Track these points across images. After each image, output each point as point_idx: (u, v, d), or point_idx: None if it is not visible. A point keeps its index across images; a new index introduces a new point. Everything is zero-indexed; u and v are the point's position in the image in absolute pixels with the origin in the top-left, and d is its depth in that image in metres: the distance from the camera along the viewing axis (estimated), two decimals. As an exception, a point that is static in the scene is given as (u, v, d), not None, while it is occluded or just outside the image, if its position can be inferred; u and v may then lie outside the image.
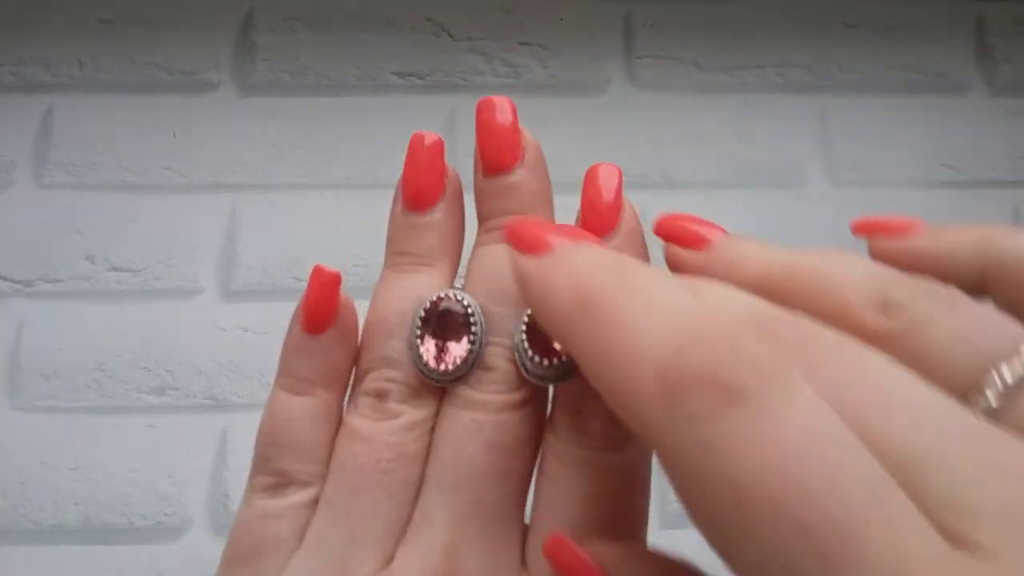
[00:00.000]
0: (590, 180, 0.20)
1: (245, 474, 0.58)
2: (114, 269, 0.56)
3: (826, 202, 0.59)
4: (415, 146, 0.21)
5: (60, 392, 0.54)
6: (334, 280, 0.20)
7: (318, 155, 0.58)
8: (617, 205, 0.20)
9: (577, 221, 0.21)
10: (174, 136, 0.59)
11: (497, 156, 0.20)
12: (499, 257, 0.20)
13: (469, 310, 0.19)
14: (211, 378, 0.54)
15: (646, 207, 0.69)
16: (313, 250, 0.56)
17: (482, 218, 0.21)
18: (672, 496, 0.54)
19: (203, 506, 0.52)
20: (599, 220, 0.20)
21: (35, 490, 0.52)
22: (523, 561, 0.18)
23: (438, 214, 0.21)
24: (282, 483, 0.19)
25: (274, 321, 0.56)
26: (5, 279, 0.55)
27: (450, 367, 0.19)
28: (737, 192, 0.59)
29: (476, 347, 0.19)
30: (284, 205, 0.57)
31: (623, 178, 0.20)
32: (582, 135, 0.59)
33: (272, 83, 0.60)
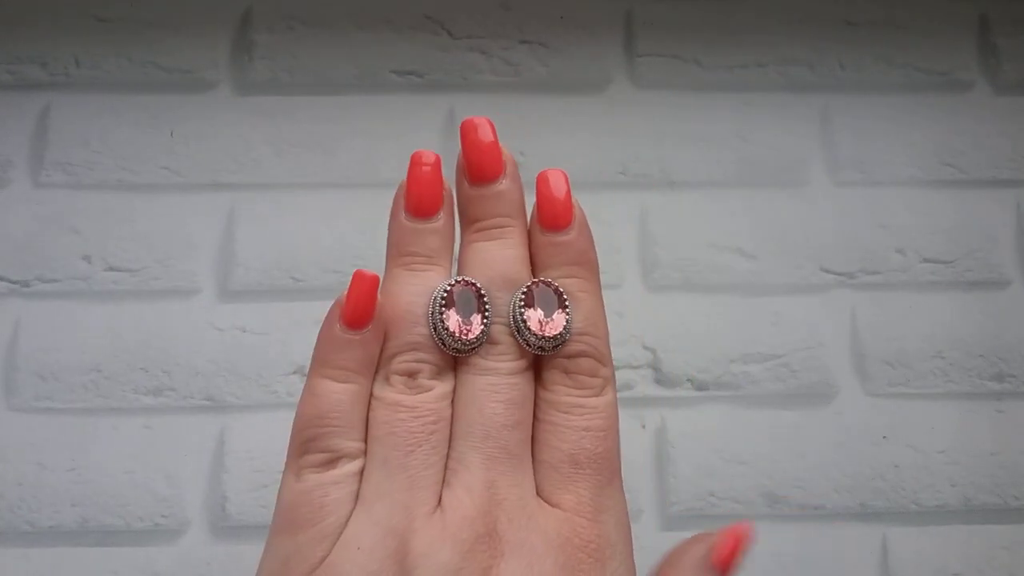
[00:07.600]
0: (543, 183, 0.24)
1: (243, 475, 0.58)
2: (111, 269, 0.56)
3: (827, 201, 0.59)
4: (417, 163, 0.24)
5: (57, 393, 0.53)
6: (374, 283, 0.23)
7: (316, 154, 0.58)
8: (568, 203, 0.24)
9: (532, 217, 0.25)
10: (171, 135, 0.58)
11: (485, 168, 0.24)
12: (492, 251, 0.24)
13: (481, 292, 0.23)
14: (208, 379, 0.54)
15: (647, 206, 0.69)
16: (311, 249, 0.56)
17: (470, 220, 0.25)
18: (673, 498, 0.54)
19: (200, 508, 0.52)
20: (555, 216, 0.24)
21: (32, 491, 0.52)
22: (535, 489, 0.23)
23: (441, 220, 0.24)
24: (334, 458, 0.22)
25: (272, 321, 0.55)
26: (1, 279, 0.55)
27: (471, 337, 0.23)
28: (738, 191, 0.59)
29: (489, 321, 0.23)
30: (282, 204, 0.57)
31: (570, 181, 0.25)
32: (582, 134, 0.59)
33: (270, 82, 0.59)
